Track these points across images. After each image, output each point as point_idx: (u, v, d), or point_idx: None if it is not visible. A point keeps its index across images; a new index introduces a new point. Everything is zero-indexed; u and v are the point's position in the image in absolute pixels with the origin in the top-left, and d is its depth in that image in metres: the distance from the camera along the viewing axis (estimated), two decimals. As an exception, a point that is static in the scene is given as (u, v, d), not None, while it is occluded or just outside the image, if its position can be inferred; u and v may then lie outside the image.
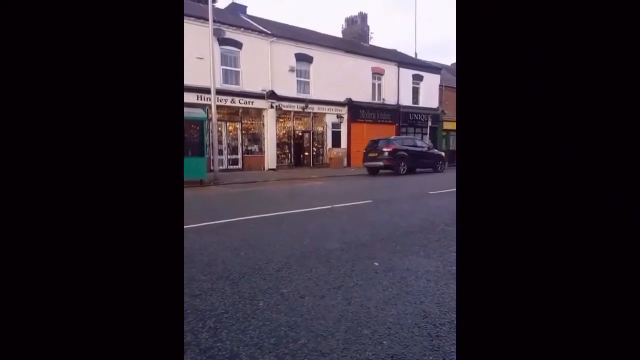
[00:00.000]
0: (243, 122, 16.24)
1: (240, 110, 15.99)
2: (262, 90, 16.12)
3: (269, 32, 16.54)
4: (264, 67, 16.27)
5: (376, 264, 2.70)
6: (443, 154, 15.58)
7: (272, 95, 16.33)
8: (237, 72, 15.71)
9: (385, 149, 13.18)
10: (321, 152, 19.01)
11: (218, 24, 14.20)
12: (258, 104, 16.21)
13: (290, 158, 17.89)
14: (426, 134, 23.05)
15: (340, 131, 19.36)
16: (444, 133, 24.28)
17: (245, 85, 15.75)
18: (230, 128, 16.01)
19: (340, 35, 25.35)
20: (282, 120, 17.42)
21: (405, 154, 13.36)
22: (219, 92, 13.47)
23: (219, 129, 14.78)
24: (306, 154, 18.33)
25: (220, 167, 13.51)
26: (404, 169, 13.20)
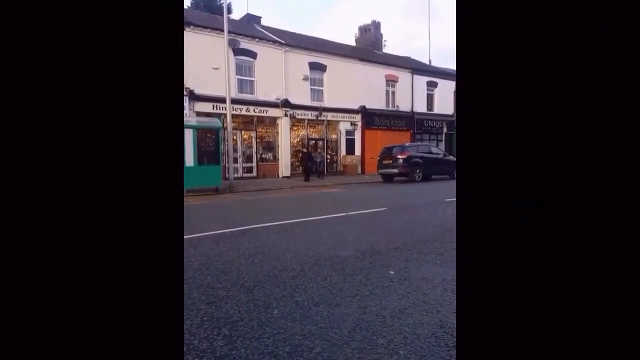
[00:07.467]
0: (258, 130, 16.41)
1: (255, 119, 16.17)
2: (276, 98, 16.29)
3: (283, 41, 16.75)
4: (278, 76, 16.46)
5: (391, 272, 2.67)
6: (459, 160, 15.36)
7: (286, 103, 16.48)
8: (252, 82, 15.93)
9: (399, 156, 13.12)
10: (335, 160, 19.03)
11: (233, 35, 14.46)
12: (272, 112, 16.38)
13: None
14: (441, 140, 22.86)
15: (354, 138, 19.36)
16: (460, 139, 23.97)
17: (260, 94, 15.95)
18: (245, 136, 16.19)
19: (353, 43, 25.48)
20: (296, 128, 17.53)
21: (420, 160, 13.25)
22: (234, 101, 13.66)
23: (234, 137, 14.97)
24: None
25: (235, 175, 13.65)
26: (419, 176, 13.07)
